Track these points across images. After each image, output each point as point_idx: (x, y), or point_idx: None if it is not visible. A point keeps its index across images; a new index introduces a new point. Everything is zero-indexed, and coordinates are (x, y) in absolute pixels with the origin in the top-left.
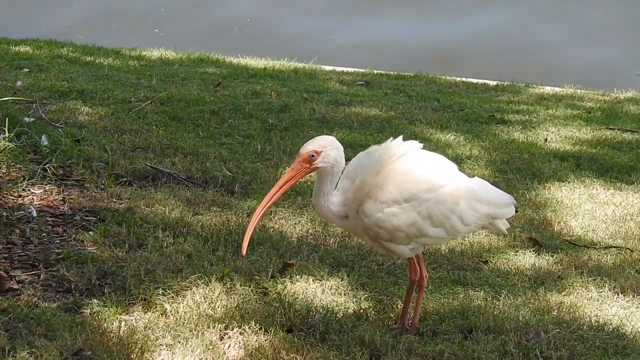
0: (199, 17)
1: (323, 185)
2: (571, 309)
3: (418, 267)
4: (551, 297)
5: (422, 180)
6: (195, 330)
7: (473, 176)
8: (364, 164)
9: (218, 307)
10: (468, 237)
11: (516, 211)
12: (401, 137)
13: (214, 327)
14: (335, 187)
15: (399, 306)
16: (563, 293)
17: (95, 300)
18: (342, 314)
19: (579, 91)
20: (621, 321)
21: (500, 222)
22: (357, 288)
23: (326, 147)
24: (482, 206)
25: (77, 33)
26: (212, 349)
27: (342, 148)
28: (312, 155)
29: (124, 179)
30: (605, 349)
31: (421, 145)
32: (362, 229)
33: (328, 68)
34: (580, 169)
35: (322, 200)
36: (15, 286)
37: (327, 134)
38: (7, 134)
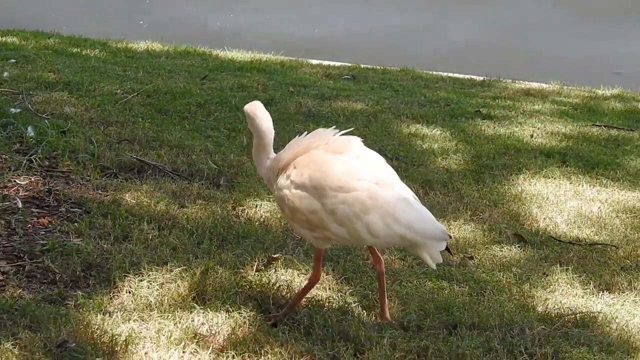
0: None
1: (256, 146)
2: (556, 306)
3: (379, 256)
4: (536, 293)
5: (335, 177)
6: (179, 323)
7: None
8: (298, 140)
9: (203, 300)
10: (453, 232)
11: (448, 250)
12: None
13: (198, 320)
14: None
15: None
16: (548, 290)
17: (80, 292)
18: (326, 309)
19: (565, 87)
20: (606, 318)
21: (424, 252)
22: (341, 282)
23: (250, 111)
24: (397, 226)
25: (62, 24)
26: (197, 341)
27: (267, 115)
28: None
29: (110, 171)
30: (590, 346)
31: (361, 144)
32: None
33: (314, 62)
34: (566, 165)
35: (256, 160)
36: (0, 277)
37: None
38: None
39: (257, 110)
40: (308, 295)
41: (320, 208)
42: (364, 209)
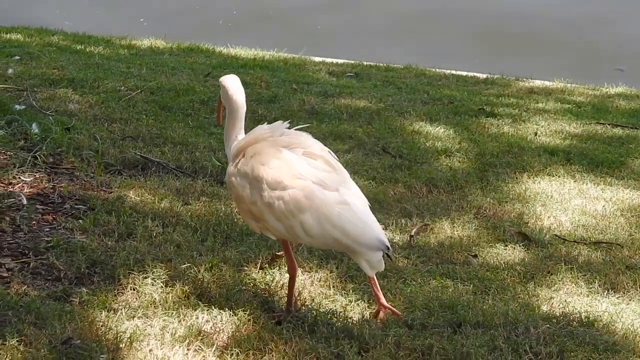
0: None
1: (228, 121)
2: (561, 305)
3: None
4: (541, 292)
5: (274, 171)
6: (184, 320)
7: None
8: (258, 128)
9: (207, 297)
10: (457, 231)
11: (390, 257)
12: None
13: (202, 318)
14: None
15: (388, 299)
16: (553, 288)
17: (84, 289)
18: (331, 307)
19: (569, 85)
20: (611, 317)
21: (360, 259)
22: (345, 280)
23: (224, 82)
24: (331, 229)
25: (65, 20)
26: (201, 339)
27: (241, 89)
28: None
29: (114, 168)
30: (596, 345)
31: (315, 141)
32: None
33: (317, 59)
34: (570, 164)
35: (225, 138)
36: (5, 274)
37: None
38: None
39: (231, 82)
40: (312, 294)
41: (260, 200)
42: (299, 207)
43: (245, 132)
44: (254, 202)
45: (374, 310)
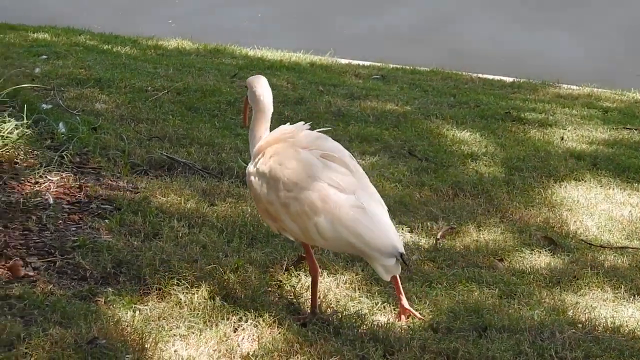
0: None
1: (254, 121)
2: (587, 310)
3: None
4: (566, 297)
5: (292, 172)
6: (209, 321)
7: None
8: (277, 130)
9: (232, 298)
10: (483, 234)
11: (406, 264)
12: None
13: (228, 319)
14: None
15: (414, 302)
16: (578, 293)
17: (110, 289)
18: (356, 309)
19: (595, 90)
20: (637, 323)
21: (375, 263)
22: (371, 283)
23: (250, 84)
24: (347, 233)
25: (92, 21)
26: (226, 340)
27: (269, 90)
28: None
29: (140, 168)
30: (621, 351)
31: (336, 144)
32: None
33: (344, 61)
34: (596, 169)
35: (250, 137)
36: (31, 273)
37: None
38: (25, 121)
39: (259, 83)
40: (338, 296)
41: (276, 200)
42: (314, 209)
43: None
44: (271, 202)
45: (397, 313)
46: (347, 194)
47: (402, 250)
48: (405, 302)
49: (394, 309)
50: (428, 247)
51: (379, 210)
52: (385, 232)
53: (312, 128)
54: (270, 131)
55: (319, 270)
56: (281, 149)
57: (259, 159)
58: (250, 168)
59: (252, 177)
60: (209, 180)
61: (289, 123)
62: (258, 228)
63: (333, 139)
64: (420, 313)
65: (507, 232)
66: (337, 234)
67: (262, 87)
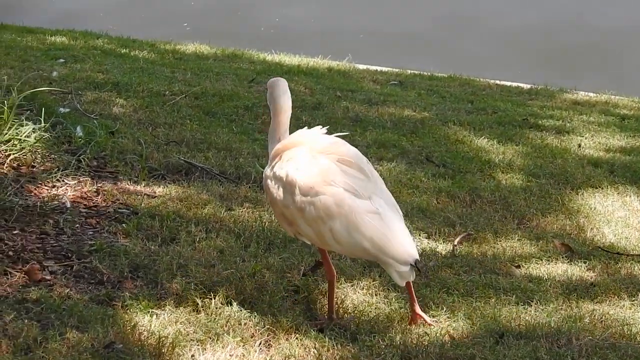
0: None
1: (272, 124)
2: (603, 317)
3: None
4: (583, 304)
5: (305, 176)
6: (226, 326)
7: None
8: (295, 134)
9: (250, 303)
10: (500, 241)
11: (420, 271)
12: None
13: (245, 324)
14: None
15: (431, 308)
16: (595, 300)
17: (127, 293)
18: (373, 315)
19: (613, 97)
20: None
21: (390, 269)
22: (388, 289)
23: (269, 86)
24: (361, 238)
25: (109, 24)
26: (243, 345)
27: (288, 93)
28: (265, 91)
29: (158, 173)
30: (638, 358)
31: (348, 145)
32: None
33: (362, 67)
34: (613, 176)
35: (269, 139)
36: (48, 277)
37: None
38: (42, 124)
39: (278, 85)
40: (355, 301)
41: (292, 204)
42: (329, 214)
43: None
44: (287, 205)
45: (409, 318)
46: (362, 199)
47: (416, 256)
48: (417, 308)
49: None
50: (445, 253)
51: (395, 216)
52: (400, 238)
53: (329, 133)
54: (289, 135)
55: (336, 274)
56: (298, 153)
57: (275, 163)
58: (267, 171)
59: (269, 181)
60: (227, 185)
61: (306, 127)
62: (275, 233)
63: (350, 144)
64: (436, 320)
65: (524, 239)
66: (351, 239)
67: (280, 89)
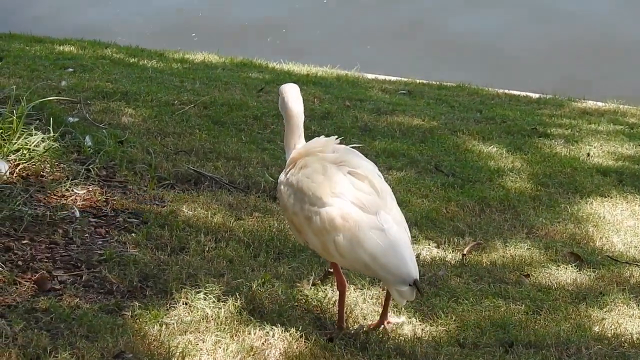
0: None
1: (286, 130)
2: (613, 326)
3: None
4: (592, 313)
5: (314, 186)
6: (236, 336)
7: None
8: (311, 142)
9: (259, 313)
10: (509, 250)
11: (420, 292)
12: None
13: (255, 334)
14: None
15: (440, 317)
16: (605, 309)
17: (136, 303)
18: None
19: (621, 106)
20: None
21: (391, 286)
22: None
23: (281, 92)
24: (362, 253)
25: (117, 35)
26: (253, 355)
27: (300, 99)
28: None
29: (167, 182)
30: None
31: (361, 157)
32: None
33: (370, 76)
34: (622, 185)
35: (285, 145)
36: (57, 286)
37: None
38: (51, 134)
39: (289, 90)
40: (364, 311)
41: (300, 212)
42: (334, 226)
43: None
44: (296, 213)
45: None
46: (369, 214)
47: (416, 276)
48: (388, 316)
49: (421, 324)
50: (454, 262)
51: (399, 233)
52: (401, 257)
53: (341, 143)
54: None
55: (347, 285)
56: (310, 162)
57: (290, 169)
58: (282, 177)
59: (282, 187)
60: (236, 195)
61: (323, 136)
62: (285, 243)
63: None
64: (446, 330)
65: (533, 248)
66: (354, 254)
67: (291, 94)
